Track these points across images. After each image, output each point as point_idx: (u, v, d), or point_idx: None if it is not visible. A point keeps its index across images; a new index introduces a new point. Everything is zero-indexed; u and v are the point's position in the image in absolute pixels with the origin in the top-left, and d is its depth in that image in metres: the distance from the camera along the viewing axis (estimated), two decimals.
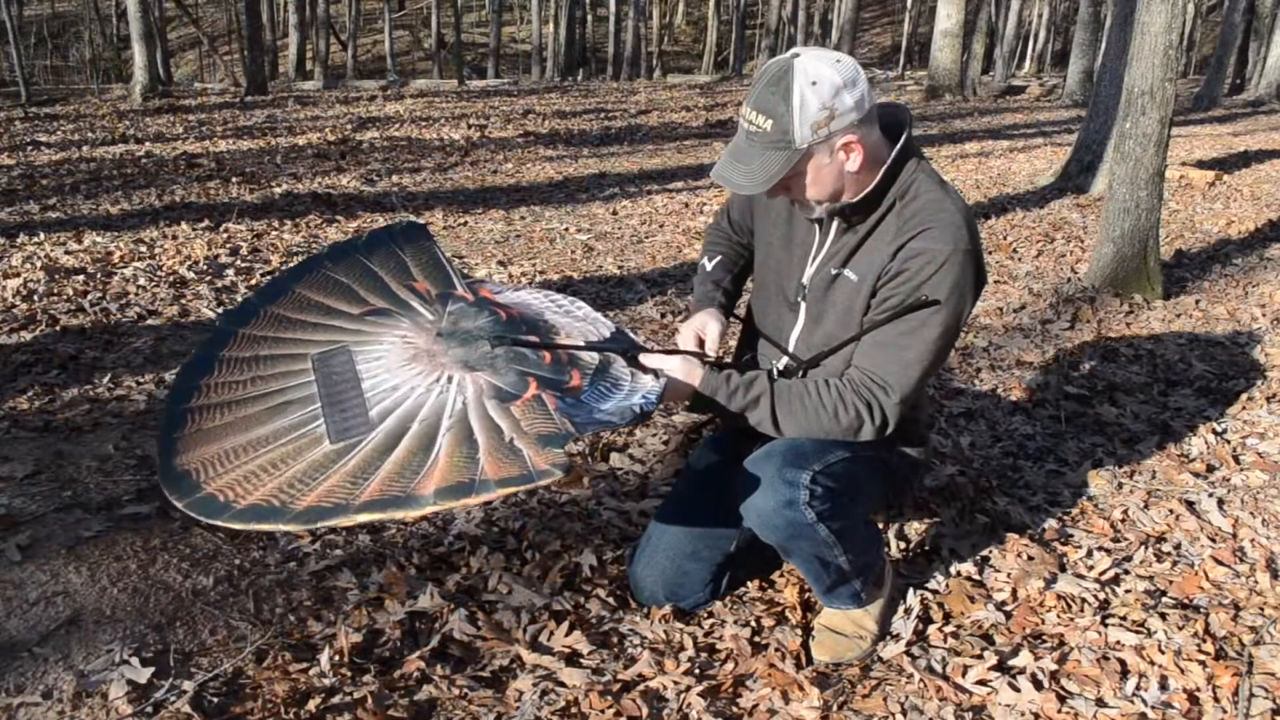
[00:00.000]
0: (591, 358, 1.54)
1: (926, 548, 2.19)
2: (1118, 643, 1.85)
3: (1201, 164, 8.20)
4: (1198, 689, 1.73)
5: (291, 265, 1.91)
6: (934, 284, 1.54)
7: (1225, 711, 1.68)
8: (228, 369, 1.56)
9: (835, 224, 1.66)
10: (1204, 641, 1.85)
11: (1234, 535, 2.29)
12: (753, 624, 1.89)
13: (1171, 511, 2.39)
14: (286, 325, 1.65)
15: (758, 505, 1.61)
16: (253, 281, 4.14)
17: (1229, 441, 2.82)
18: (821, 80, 1.46)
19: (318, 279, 1.74)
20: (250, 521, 1.24)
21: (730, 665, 1.77)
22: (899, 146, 1.59)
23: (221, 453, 1.38)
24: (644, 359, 1.61)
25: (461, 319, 1.56)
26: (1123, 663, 1.80)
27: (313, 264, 1.77)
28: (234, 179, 6.73)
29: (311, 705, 1.60)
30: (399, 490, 1.26)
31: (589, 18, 31.55)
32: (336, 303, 1.68)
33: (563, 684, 1.69)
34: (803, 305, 1.73)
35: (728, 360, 1.90)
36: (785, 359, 1.77)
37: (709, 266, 1.93)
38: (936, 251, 1.54)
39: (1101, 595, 2.01)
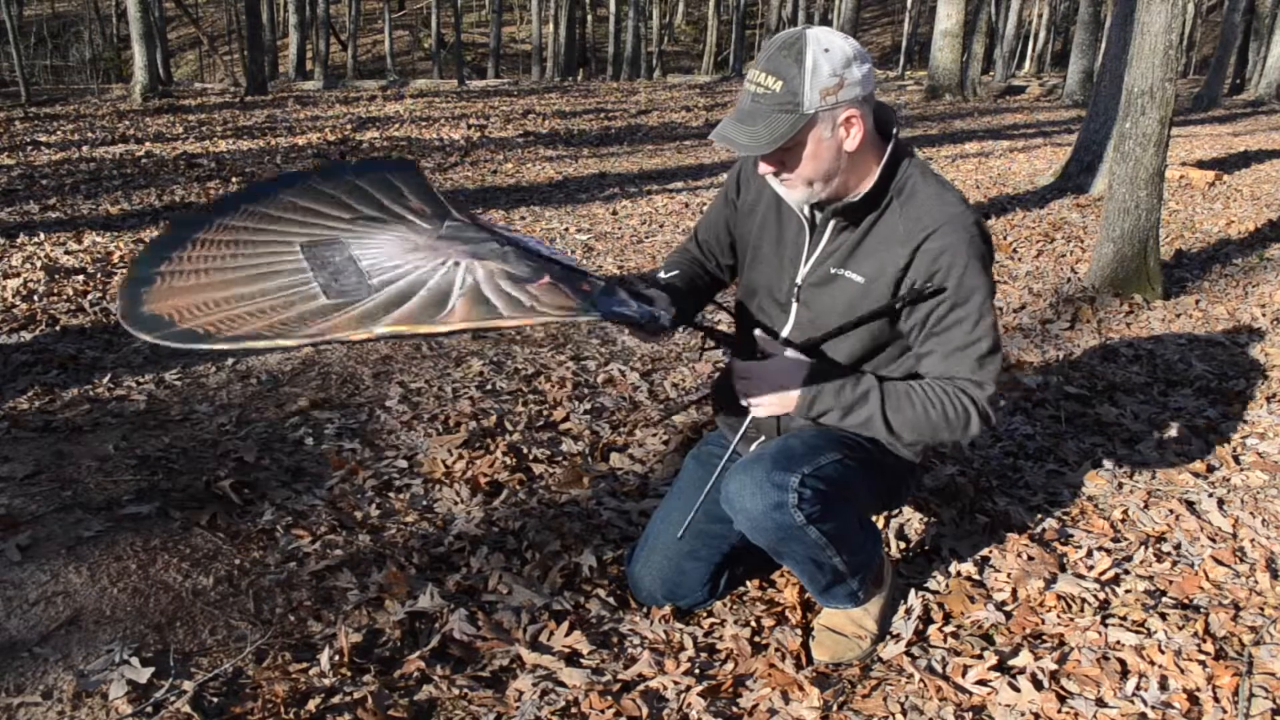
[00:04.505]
0: (599, 278, 1.46)
1: (926, 548, 2.19)
2: (1118, 643, 1.85)
3: (1201, 164, 8.20)
4: (1198, 689, 1.73)
5: (274, 177, 1.75)
6: (970, 277, 1.57)
7: (1225, 711, 1.68)
8: (203, 246, 1.39)
9: (832, 223, 1.66)
10: (1204, 641, 1.85)
11: (1234, 535, 2.29)
12: (753, 624, 1.89)
13: (1171, 511, 2.39)
14: (270, 220, 1.47)
15: (747, 508, 1.61)
16: None
17: (1229, 441, 2.82)
18: (834, 48, 1.48)
19: (305, 189, 1.57)
20: (242, 343, 1.09)
21: (730, 665, 1.77)
22: (893, 145, 1.61)
23: (200, 302, 1.21)
24: (735, 363, 1.67)
25: (463, 230, 1.46)
26: (1123, 663, 1.80)
27: (300, 177, 1.62)
28: (234, 179, 6.73)
29: (311, 705, 1.60)
30: (421, 320, 1.16)
31: (589, 18, 31.58)
32: (326, 208, 1.52)
33: (563, 684, 1.69)
34: (794, 305, 1.73)
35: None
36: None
37: (662, 278, 1.83)
38: (958, 248, 1.56)
39: (1101, 595, 2.01)
